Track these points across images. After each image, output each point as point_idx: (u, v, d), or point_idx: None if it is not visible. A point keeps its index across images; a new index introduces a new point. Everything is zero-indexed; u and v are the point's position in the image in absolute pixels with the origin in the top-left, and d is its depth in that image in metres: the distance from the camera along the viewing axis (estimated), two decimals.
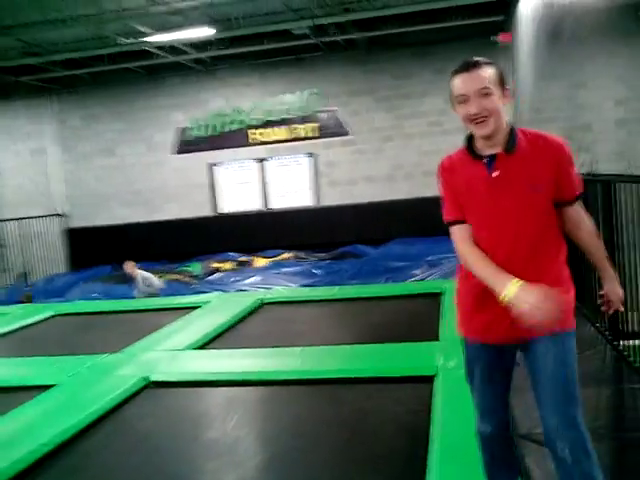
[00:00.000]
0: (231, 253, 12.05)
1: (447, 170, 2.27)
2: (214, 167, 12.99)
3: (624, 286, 3.34)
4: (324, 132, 13.26)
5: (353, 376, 4.23)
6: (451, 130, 11.33)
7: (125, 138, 12.71)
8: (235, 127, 12.86)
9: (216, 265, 11.24)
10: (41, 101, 12.69)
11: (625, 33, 10.60)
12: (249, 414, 4.02)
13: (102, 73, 11.86)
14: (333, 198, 12.99)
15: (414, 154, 12.47)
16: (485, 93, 2.10)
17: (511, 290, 2.03)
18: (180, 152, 12.85)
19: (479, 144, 2.20)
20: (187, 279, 10.35)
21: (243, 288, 9.22)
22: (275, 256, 12.30)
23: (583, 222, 2.28)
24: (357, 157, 12.88)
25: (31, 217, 12.28)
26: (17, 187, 12.75)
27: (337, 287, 7.85)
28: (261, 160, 13.19)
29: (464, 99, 2.14)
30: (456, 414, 3.28)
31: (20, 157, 12.72)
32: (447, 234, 2.32)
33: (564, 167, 2.17)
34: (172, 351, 5.17)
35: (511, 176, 2.15)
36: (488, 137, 2.15)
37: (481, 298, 2.21)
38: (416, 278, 9.90)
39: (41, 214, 12.41)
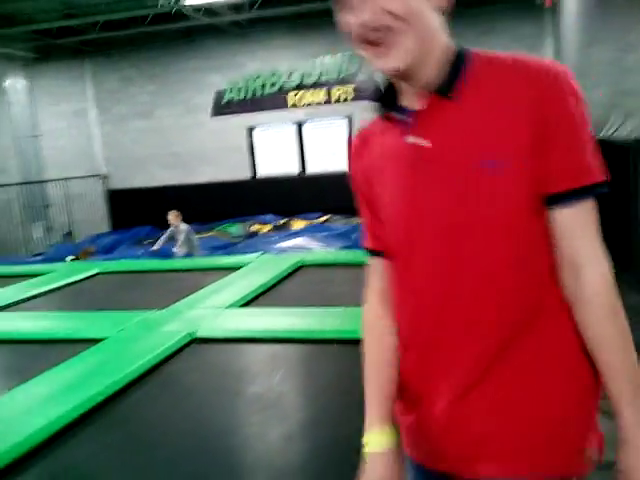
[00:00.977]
0: (269, 215, 12.13)
1: (355, 155, 1.36)
2: (251, 130, 12.99)
3: None
4: (361, 94, 13.11)
5: None
6: None
7: (161, 101, 12.78)
8: (272, 90, 12.79)
9: (255, 227, 11.34)
10: (78, 63, 12.80)
11: None
12: (292, 371, 4.11)
13: (137, 36, 11.88)
14: None
15: None
16: None
17: (369, 444, 1.26)
18: (217, 114, 12.88)
19: (402, 93, 1.22)
20: (228, 238, 10.49)
21: (282, 250, 9.31)
22: (313, 219, 12.35)
23: (583, 270, 1.08)
24: None
25: (74, 177, 12.53)
26: (60, 148, 12.98)
27: None
28: (298, 123, 13.13)
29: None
30: None
31: (62, 118, 12.91)
32: None
33: (555, 123, 1.07)
34: (216, 308, 5.29)
35: (449, 146, 1.12)
36: (404, 74, 1.14)
37: (407, 385, 1.29)
38: None
39: (84, 174, 12.66)
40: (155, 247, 8.68)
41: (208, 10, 10.81)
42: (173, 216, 8.66)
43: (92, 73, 13.05)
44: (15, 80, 13.02)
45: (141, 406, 3.66)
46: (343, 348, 4.35)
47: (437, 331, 1.12)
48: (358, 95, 12.88)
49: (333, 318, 4.71)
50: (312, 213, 12.42)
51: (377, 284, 1.31)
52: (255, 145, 12.91)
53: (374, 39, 1.09)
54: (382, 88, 1.23)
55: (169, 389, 3.93)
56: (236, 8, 11.09)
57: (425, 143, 1.13)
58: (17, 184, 12.35)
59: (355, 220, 12.33)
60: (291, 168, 13.00)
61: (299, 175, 12.98)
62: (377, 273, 1.30)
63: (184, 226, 8.58)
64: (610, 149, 4.14)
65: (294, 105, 12.78)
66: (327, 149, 13.33)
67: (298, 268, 6.88)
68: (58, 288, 7.10)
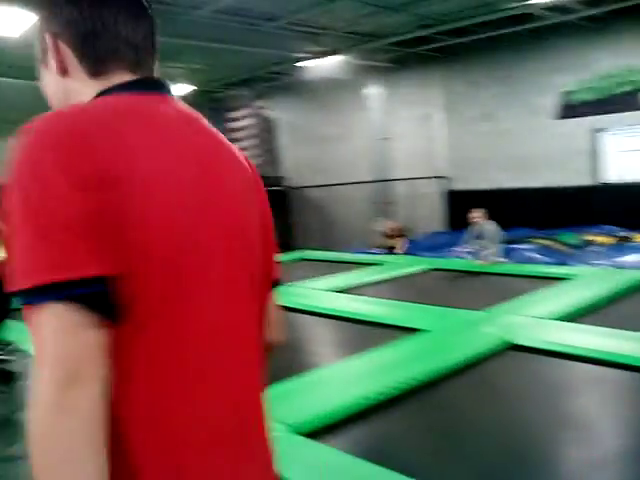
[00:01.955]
0: (609, 227, 11.10)
1: None
2: (598, 133, 12.04)
3: None
4: None
5: None
6: None
7: (505, 102, 12.72)
8: (623, 89, 11.61)
9: (590, 237, 10.52)
10: (428, 69, 13.55)
11: None
12: (611, 395, 3.80)
13: (484, 39, 12.02)
14: None
15: None
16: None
17: None
18: (561, 117, 12.27)
19: None
20: (560, 247, 9.98)
21: (620, 265, 8.47)
22: None
23: None
24: None
25: (417, 178, 13.39)
26: (406, 150, 14.01)
27: None
28: None
29: None
30: None
31: (410, 122, 13.90)
32: None
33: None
34: (537, 318, 5.16)
35: None
36: None
37: None
38: None
39: (427, 175, 13.43)
40: (463, 248, 8.65)
41: (557, 7, 10.38)
42: (479, 214, 8.18)
43: (441, 78, 13.75)
44: (373, 88, 14.55)
45: (451, 397, 3.83)
46: None
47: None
48: None
49: None
50: None
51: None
52: (601, 149, 11.97)
53: None
54: None
55: (480, 388, 4.01)
56: (590, 3, 10.39)
57: None
58: (368, 182, 13.83)
59: None
60: None
61: None
62: None
63: (490, 225, 8.04)
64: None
65: None
66: None
67: (638, 286, 6.22)
68: (391, 278, 7.78)
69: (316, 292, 6.94)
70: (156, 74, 1.15)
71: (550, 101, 12.31)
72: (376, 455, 3.06)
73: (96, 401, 0.82)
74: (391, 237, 10.43)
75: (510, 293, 6.09)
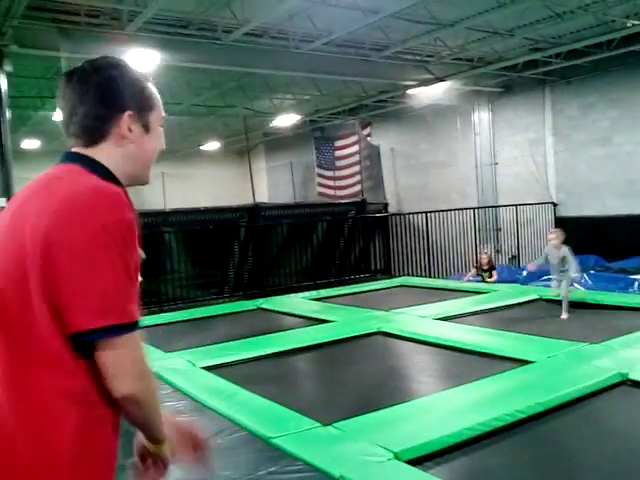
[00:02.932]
0: None
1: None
2: None
3: None
4: None
5: None
6: None
7: (622, 126, 12.15)
8: None
9: None
10: (536, 93, 13.22)
11: None
12: None
13: (601, 60, 11.58)
14: None
15: None
16: None
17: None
18: None
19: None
20: None
21: None
22: None
23: None
24: None
25: (525, 204, 13.02)
26: (514, 175, 13.69)
27: None
28: None
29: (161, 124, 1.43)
30: None
31: (518, 147, 13.59)
32: None
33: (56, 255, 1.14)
34: None
35: None
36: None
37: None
38: None
39: (534, 202, 13.04)
40: (531, 267, 8.06)
41: None
42: (557, 235, 7.37)
43: (552, 102, 13.36)
44: (480, 113, 14.39)
45: (560, 433, 3.72)
46: None
47: None
48: None
49: None
50: None
51: None
52: None
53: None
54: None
55: (591, 424, 3.86)
56: None
57: None
58: (473, 208, 13.60)
59: None
60: None
61: None
62: None
63: (565, 248, 7.24)
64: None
65: None
66: None
67: None
68: (499, 307, 7.60)
69: (417, 319, 6.93)
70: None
71: None
72: None
73: None
74: (484, 270, 10.14)
75: (629, 326, 5.80)
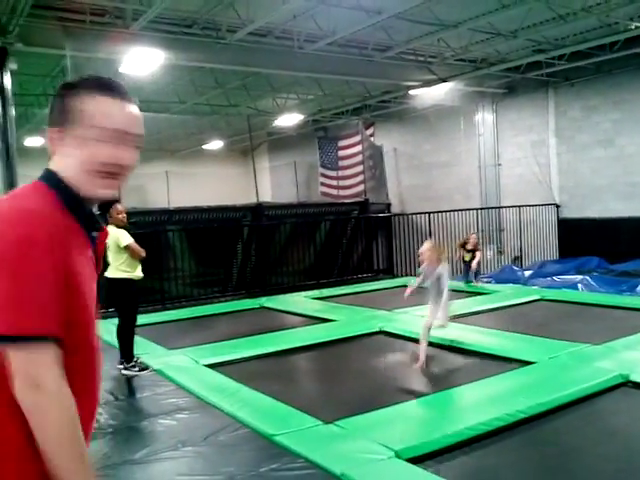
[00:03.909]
0: None
1: (59, 244, 1.24)
2: None
3: None
4: None
5: None
6: None
7: (625, 128, 12.15)
8: None
9: None
10: (539, 95, 13.21)
11: None
12: None
13: (604, 62, 11.57)
14: None
15: None
16: (137, 145, 1.40)
17: None
18: None
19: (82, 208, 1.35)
20: None
21: None
22: None
23: None
24: None
25: (528, 205, 13.02)
26: (517, 177, 13.70)
27: None
28: None
29: (116, 138, 1.33)
30: None
31: (521, 148, 13.59)
32: None
33: None
34: None
35: None
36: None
37: None
38: None
39: (537, 203, 13.04)
40: (408, 291, 6.93)
41: None
42: (428, 249, 6.12)
43: (555, 103, 13.36)
44: (484, 114, 14.39)
45: (561, 433, 3.73)
46: None
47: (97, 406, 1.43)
48: None
49: None
50: None
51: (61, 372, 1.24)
52: None
53: (113, 174, 1.36)
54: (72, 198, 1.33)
55: (592, 424, 3.88)
56: None
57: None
58: (477, 209, 13.61)
59: None
60: None
61: None
62: (60, 361, 1.24)
63: (443, 266, 6.13)
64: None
65: None
66: None
67: None
68: (501, 308, 7.63)
69: (419, 319, 6.94)
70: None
71: None
72: None
73: None
74: (468, 250, 9.88)
75: (630, 327, 5.82)
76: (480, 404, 4.06)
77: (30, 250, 1.17)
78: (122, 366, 5.35)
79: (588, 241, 11.97)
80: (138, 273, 5.51)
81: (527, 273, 10.32)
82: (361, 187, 14.83)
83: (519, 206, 13.11)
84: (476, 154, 14.26)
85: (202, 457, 3.51)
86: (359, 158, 15.44)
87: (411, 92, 12.51)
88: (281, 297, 9.18)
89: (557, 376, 4.58)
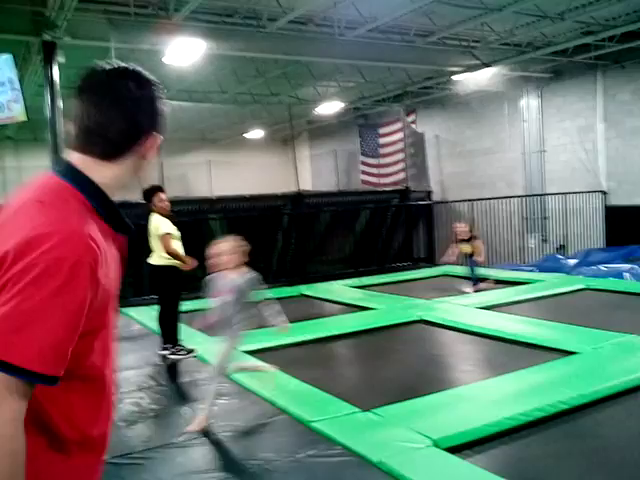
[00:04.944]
0: None
1: (101, 262, 1.16)
2: None
3: None
4: None
5: None
6: None
7: None
8: None
9: None
10: (587, 78, 12.82)
11: None
12: None
13: None
14: None
15: None
16: None
17: None
18: None
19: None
20: None
21: None
22: None
23: None
24: None
25: (573, 192, 12.70)
26: (562, 163, 13.35)
27: None
28: None
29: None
30: None
31: (567, 134, 13.23)
32: None
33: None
34: None
35: None
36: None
37: None
38: None
39: (583, 190, 12.70)
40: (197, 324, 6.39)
41: None
42: (227, 249, 5.89)
43: (603, 87, 12.92)
44: (528, 99, 14.05)
45: (603, 426, 3.66)
46: None
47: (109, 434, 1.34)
48: None
49: None
50: None
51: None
52: None
53: None
54: (104, 200, 1.27)
55: (637, 418, 3.79)
56: None
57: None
58: (520, 196, 13.34)
59: None
60: None
61: None
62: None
63: (251, 275, 5.83)
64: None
65: None
66: None
67: None
68: (544, 297, 7.49)
69: (459, 308, 6.89)
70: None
71: None
72: (517, 476, 3.04)
73: None
74: (464, 241, 8.58)
75: None
76: (521, 394, 4.01)
77: (78, 272, 1.09)
78: (167, 352, 5.46)
79: (637, 229, 11.61)
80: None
81: (572, 262, 10.07)
82: (402, 175, 14.72)
83: (564, 193, 12.80)
84: (520, 140, 13.96)
85: (240, 442, 3.57)
86: (400, 145, 15.31)
87: (454, 78, 12.32)
88: (320, 285, 9.22)
89: (601, 367, 4.49)
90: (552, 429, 3.60)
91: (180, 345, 5.51)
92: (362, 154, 16.98)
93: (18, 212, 1.17)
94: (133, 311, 7.55)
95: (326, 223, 11.71)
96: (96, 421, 1.27)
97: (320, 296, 8.40)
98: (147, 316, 7.02)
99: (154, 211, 5.52)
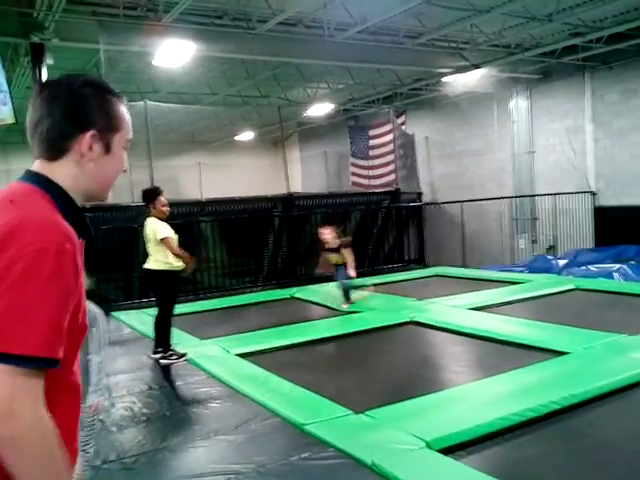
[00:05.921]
0: None
1: (78, 249, 1.19)
2: None
3: None
4: None
5: None
6: None
7: None
8: None
9: None
10: (575, 79, 12.90)
11: None
12: None
13: None
14: None
15: None
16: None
17: None
18: None
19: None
20: None
21: None
22: None
23: None
24: None
25: (562, 193, 12.77)
26: (551, 164, 13.42)
27: None
28: None
29: (128, 145, 1.37)
30: None
31: (555, 135, 13.31)
32: None
33: None
34: None
35: None
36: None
37: None
38: None
39: (572, 191, 12.77)
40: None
41: None
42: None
43: (592, 88, 13.02)
44: (517, 100, 14.13)
45: (595, 425, 3.67)
46: None
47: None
48: None
49: None
50: None
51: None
52: None
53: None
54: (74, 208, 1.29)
55: (630, 416, 3.81)
56: None
57: None
58: (510, 197, 13.41)
59: None
60: None
61: None
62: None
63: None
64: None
65: None
66: None
67: None
68: (534, 298, 7.51)
69: (450, 309, 6.90)
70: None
71: None
72: (510, 476, 3.04)
73: None
74: (332, 250, 7.60)
75: None
76: (513, 394, 4.02)
77: (62, 259, 1.12)
78: (159, 355, 5.43)
79: (625, 229, 11.70)
80: (179, 263, 5.49)
81: (561, 262, 10.13)
82: (392, 176, 14.73)
83: (553, 194, 12.87)
84: (509, 141, 14.03)
85: (234, 446, 3.56)
86: (390, 147, 15.33)
87: (443, 79, 12.36)
88: (312, 287, 9.21)
89: (592, 367, 4.51)
90: (544, 429, 3.61)
91: (172, 349, 5.48)
92: (352, 156, 16.99)
93: None
94: (124, 315, 7.50)
95: (317, 225, 11.71)
96: (76, 433, 1.26)
97: (311, 298, 8.39)
98: (138, 320, 6.98)
99: (151, 215, 5.46)
